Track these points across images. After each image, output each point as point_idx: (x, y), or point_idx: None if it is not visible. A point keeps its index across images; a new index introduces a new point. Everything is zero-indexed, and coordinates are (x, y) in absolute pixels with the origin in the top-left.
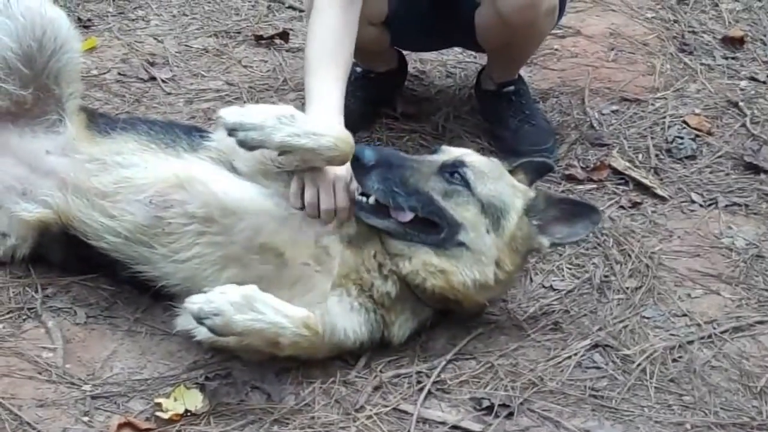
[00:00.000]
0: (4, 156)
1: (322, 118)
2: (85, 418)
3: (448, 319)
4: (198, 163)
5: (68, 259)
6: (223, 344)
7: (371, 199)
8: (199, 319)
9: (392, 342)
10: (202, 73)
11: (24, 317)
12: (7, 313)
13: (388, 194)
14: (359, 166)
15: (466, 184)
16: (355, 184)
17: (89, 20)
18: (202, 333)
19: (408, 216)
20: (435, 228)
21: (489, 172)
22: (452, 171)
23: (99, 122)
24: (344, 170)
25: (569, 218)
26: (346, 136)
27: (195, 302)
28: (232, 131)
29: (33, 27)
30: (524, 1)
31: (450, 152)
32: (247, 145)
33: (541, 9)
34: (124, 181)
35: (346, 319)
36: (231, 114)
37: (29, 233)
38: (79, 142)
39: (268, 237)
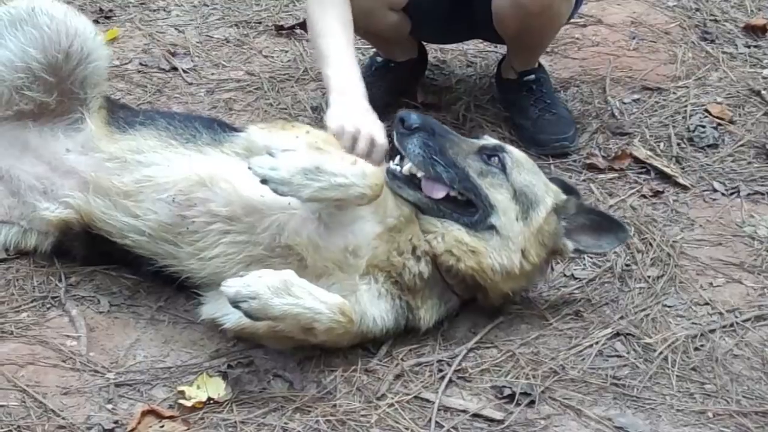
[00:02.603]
0: (24, 155)
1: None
2: (109, 406)
3: (469, 308)
4: (222, 159)
5: (90, 255)
6: (251, 332)
7: (405, 169)
8: (235, 303)
9: (419, 327)
10: (223, 63)
11: (48, 306)
12: (32, 301)
13: (427, 161)
14: (402, 129)
15: (503, 168)
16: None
17: (111, 11)
18: (230, 320)
19: (441, 193)
20: (469, 208)
21: (525, 164)
22: (491, 154)
23: (119, 117)
24: (383, 138)
25: (597, 229)
26: (375, 178)
27: (232, 286)
28: (263, 182)
29: (59, 38)
30: None
31: (490, 140)
32: (279, 194)
33: None
34: (145, 180)
35: (374, 307)
36: (260, 166)
37: (51, 231)
38: (99, 140)
39: (291, 237)
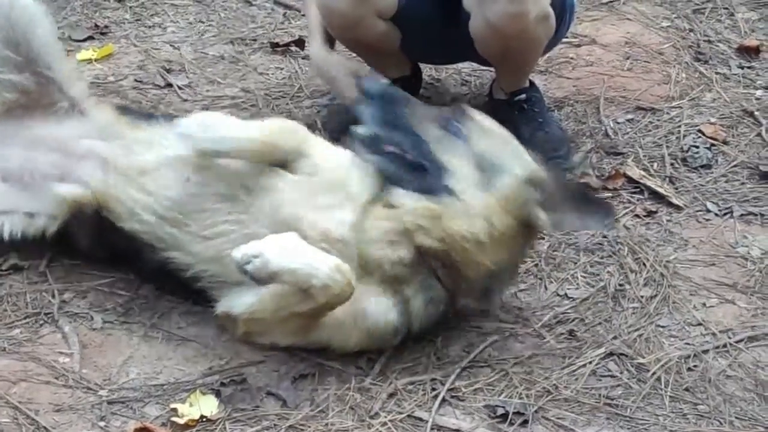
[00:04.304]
0: (35, 149)
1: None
2: (102, 423)
3: (462, 327)
4: None
5: (94, 244)
6: (259, 318)
7: (365, 131)
8: (242, 265)
9: (413, 327)
10: (218, 80)
11: (41, 322)
12: (24, 318)
13: (380, 126)
14: (361, 96)
15: (462, 135)
16: None
17: (106, 27)
18: (240, 306)
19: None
20: (425, 174)
21: (492, 131)
22: (450, 120)
23: (130, 113)
24: None
25: (580, 208)
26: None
27: (239, 249)
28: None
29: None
30: (512, 9)
31: (458, 107)
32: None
33: (530, 16)
34: (165, 159)
35: (373, 302)
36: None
37: (61, 213)
38: (120, 127)
39: (289, 212)
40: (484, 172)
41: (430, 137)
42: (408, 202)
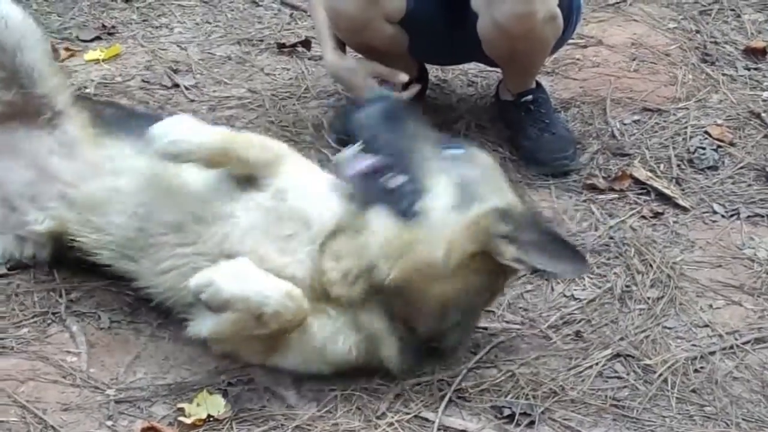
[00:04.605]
0: (16, 160)
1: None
2: (109, 423)
3: None
4: (186, 169)
5: (87, 267)
6: (221, 338)
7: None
8: (196, 294)
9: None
10: (225, 80)
11: (48, 321)
12: (32, 317)
13: (369, 132)
14: (363, 105)
15: (452, 159)
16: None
17: (113, 27)
18: (204, 328)
19: (362, 164)
20: (400, 196)
21: (483, 164)
22: (445, 143)
23: (105, 117)
24: None
25: (553, 253)
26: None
27: (194, 278)
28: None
29: None
30: (519, 9)
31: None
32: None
33: (537, 16)
34: (112, 191)
35: (328, 331)
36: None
37: (45, 242)
38: (81, 143)
39: (240, 244)
40: (462, 198)
41: (420, 155)
42: (377, 228)
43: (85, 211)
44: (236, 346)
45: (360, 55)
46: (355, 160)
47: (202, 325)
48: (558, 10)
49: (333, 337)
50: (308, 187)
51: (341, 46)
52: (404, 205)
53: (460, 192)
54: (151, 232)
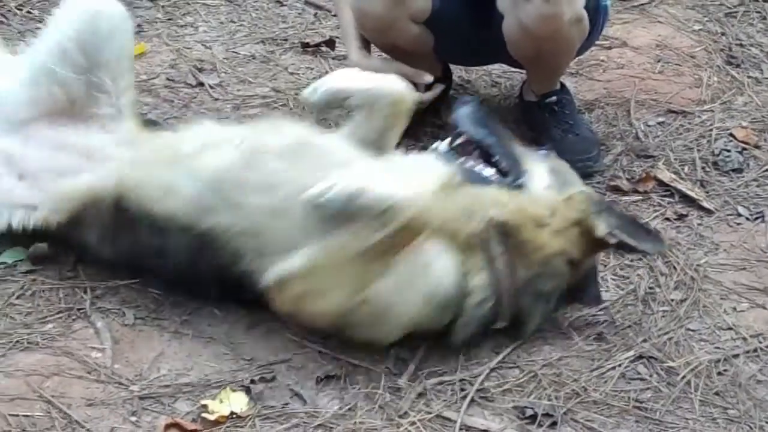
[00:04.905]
0: (60, 151)
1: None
2: (133, 418)
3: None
4: None
5: (102, 242)
6: (322, 264)
7: (444, 144)
8: (317, 199)
9: (460, 317)
10: (249, 79)
11: (73, 317)
12: (57, 313)
13: (473, 121)
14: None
15: (540, 154)
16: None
17: (139, 26)
18: (298, 260)
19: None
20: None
21: (563, 162)
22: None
23: (154, 129)
24: None
25: (635, 230)
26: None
27: (312, 189)
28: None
29: (90, 17)
30: (546, 11)
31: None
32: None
33: (564, 18)
34: (208, 140)
35: (440, 257)
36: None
37: (69, 206)
38: (140, 140)
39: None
40: (557, 181)
41: (515, 146)
42: (486, 190)
43: (175, 158)
44: (325, 283)
45: (385, 55)
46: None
47: (294, 260)
48: (584, 12)
49: (442, 263)
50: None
51: (366, 45)
52: (509, 180)
53: (554, 177)
54: (256, 164)
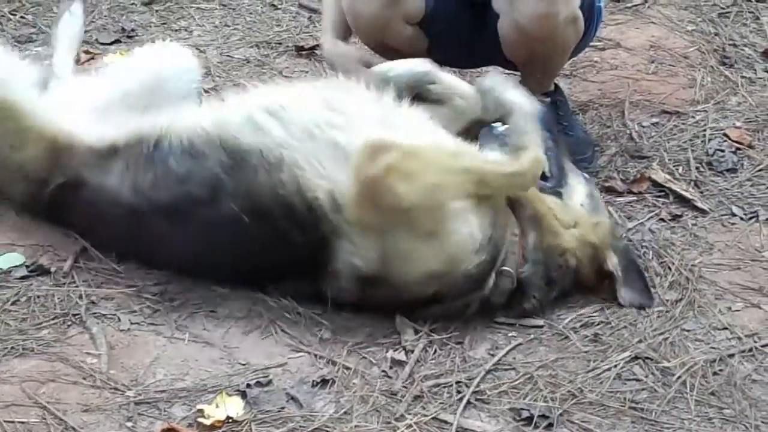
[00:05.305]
0: None
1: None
2: (129, 424)
3: (487, 329)
4: None
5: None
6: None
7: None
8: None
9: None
10: (244, 83)
11: (69, 323)
12: (53, 318)
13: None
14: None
15: (585, 177)
16: None
17: (133, 30)
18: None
19: None
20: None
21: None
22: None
23: None
24: None
25: (631, 281)
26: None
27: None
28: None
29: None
30: (541, 10)
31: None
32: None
33: (559, 18)
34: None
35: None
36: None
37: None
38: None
39: None
40: (591, 204)
41: (565, 160)
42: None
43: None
44: (412, 171)
45: (368, 49)
46: None
47: (397, 136)
48: (580, 12)
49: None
50: None
51: (344, 36)
52: (549, 184)
53: (589, 200)
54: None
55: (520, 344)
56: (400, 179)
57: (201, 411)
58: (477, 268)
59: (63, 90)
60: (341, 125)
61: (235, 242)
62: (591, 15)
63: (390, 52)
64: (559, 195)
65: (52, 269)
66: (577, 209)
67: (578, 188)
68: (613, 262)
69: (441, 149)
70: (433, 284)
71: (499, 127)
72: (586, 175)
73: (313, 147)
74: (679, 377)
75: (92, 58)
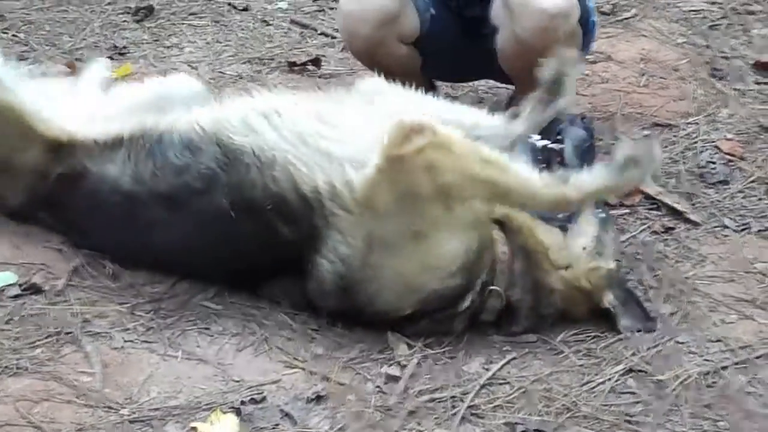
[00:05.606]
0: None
1: None
2: None
3: (481, 344)
4: None
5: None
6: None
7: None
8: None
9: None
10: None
11: (62, 342)
12: (46, 337)
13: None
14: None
15: (599, 219)
16: None
17: (125, 47)
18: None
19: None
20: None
21: (611, 233)
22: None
23: None
24: None
25: (630, 312)
26: None
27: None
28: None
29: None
30: (542, 24)
31: None
32: None
33: (559, 32)
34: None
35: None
36: None
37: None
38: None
39: None
40: (595, 248)
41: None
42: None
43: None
44: (444, 161)
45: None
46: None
47: (440, 121)
48: (579, 27)
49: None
50: None
51: None
52: (560, 216)
53: (594, 243)
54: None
55: (514, 358)
56: (430, 165)
57: (195, 429)
58: (448, 289)
59: (70, 99)
60: (335, 138)
61: (226, 233)
62: (586, 29)
63: (384, 70)
64: (564, 230)
65: (46, 288)
66: (576, 251)
67: (587, 230)
68: (609, 300)
69: (476, 148)
70: (405, 294)
71: (537, 142)
72: (604, 214)
73: (306, 151)
74: (673, 390)
75: None
